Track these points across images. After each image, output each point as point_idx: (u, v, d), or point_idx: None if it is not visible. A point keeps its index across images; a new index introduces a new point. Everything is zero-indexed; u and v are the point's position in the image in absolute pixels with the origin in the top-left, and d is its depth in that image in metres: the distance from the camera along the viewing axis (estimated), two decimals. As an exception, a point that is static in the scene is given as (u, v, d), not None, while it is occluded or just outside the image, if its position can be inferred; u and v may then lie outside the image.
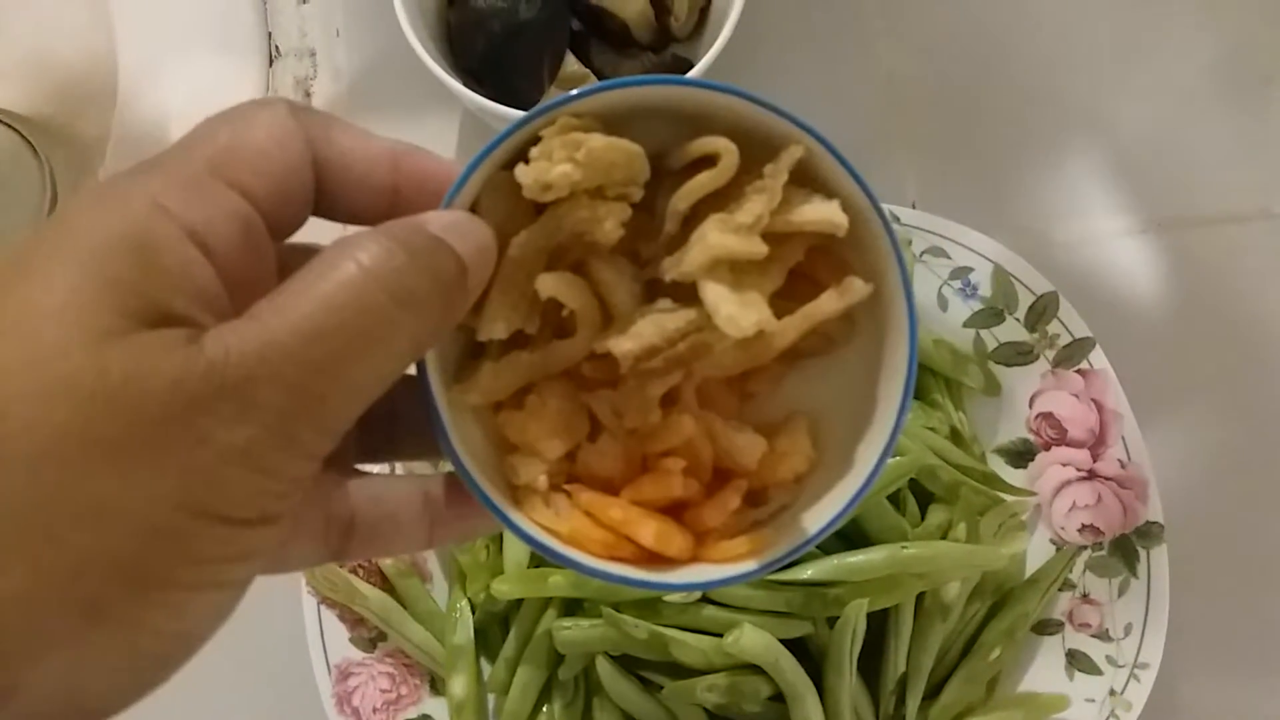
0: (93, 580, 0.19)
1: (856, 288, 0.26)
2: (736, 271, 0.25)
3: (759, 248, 0.25)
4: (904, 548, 0.45)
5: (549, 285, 0.26)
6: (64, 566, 0.19)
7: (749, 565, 0.26)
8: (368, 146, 0.26)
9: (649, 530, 0.26)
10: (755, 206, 0.25)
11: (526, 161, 0.25)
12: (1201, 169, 0.57)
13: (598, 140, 0.25)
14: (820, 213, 0.25)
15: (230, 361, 0.20)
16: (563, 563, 0.26)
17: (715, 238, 0.25)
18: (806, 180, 0.26)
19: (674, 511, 0.27)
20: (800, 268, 0.27)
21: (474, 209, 0.26)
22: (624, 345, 0.25)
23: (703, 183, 0.26)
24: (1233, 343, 0.53)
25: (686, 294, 0.26)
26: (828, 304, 0.26)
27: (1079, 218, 0.57)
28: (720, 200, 0.26)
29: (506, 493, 0.27)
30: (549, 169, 0.25)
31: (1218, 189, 0.57)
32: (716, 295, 0.24)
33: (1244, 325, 0.55)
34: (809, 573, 0.45)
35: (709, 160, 0.26)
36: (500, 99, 0.51)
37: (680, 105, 0.26)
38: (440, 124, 0.60)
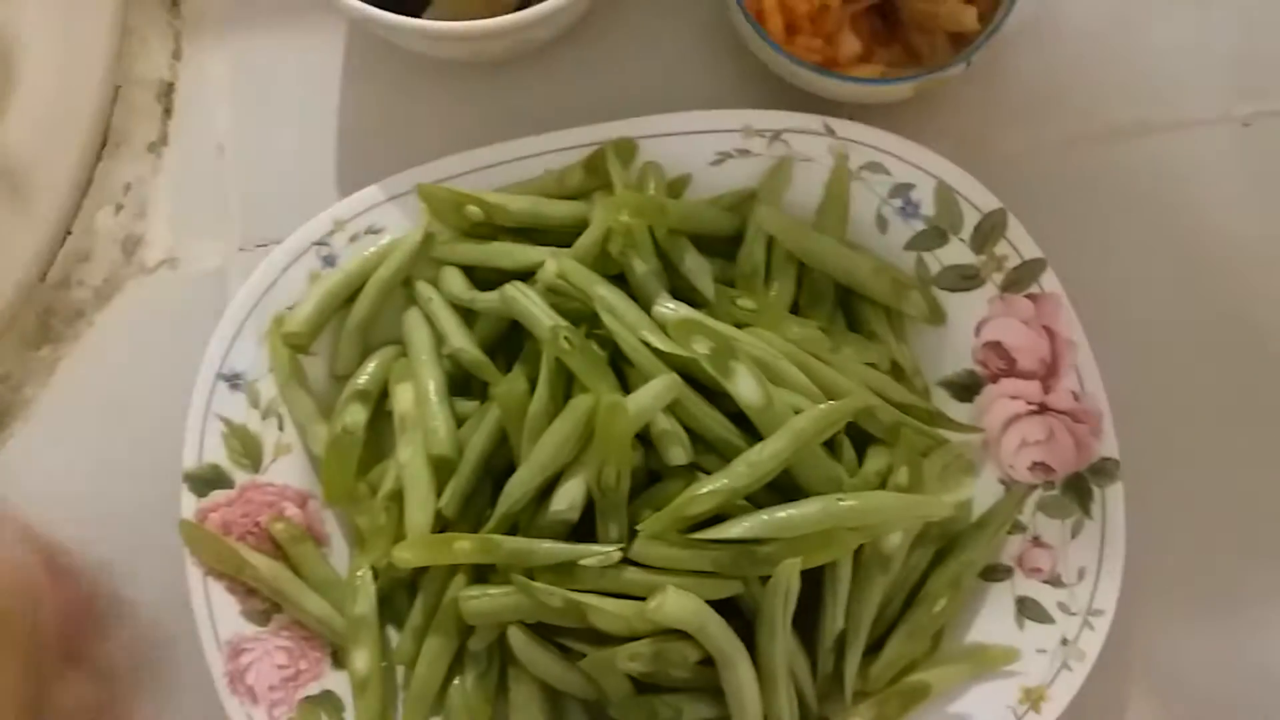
0: None
1: None
2: None
3: None
4: (840, 500, 0.42)
5: None
6: None
7: None
8: None
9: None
10: None
11: None
12: (1156, 72, 0.53)
13: None
14: None
15: None
16: None
17: None
18: None
19: None
20: None
21: None
22: None
23: None
24: (1195, 261, 0.49)
25: None
26: None
27: (1026, 125, 0.52)
28: None
29: None
30: None
31: (1174, 92, 0.53)
32: None
33: (1207, 241, 0.51)
34: (737, 530, 0.41)
35: None
36: (386, 5, 0.45)
37: None
38: (326, 37, 0.54)
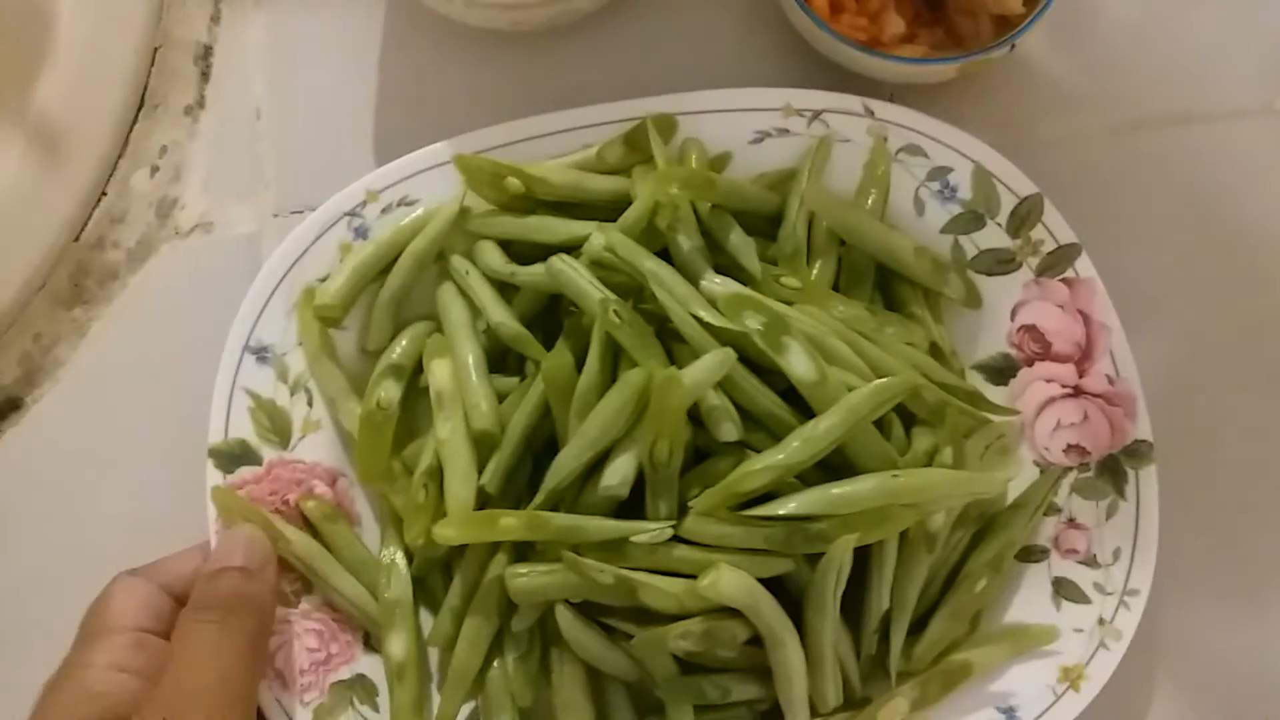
0: None
1: None
2: None
3: None
4: (894, 476, 0.41)
5: None
6: None
7: None
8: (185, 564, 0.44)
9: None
10: None
11: None
12: (1197, 61, 0.52)
13: None
14: None
15: None
16: None
17: None
18: None
19: None
20: None
21: None
22: None
23: None
24: (1232, 250, 0.49)
25: None
26: None
27: (1065, 113, 0.53)
28: None
29: None
30: None
31: (1216, 83, 0.52)
32: None
33: (1245, 231, 0.51)
34: (791, 506, 0.41)
35: None
36: None
37: None
38: (367, 3, 0.53)
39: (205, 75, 0.52)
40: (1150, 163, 0.52)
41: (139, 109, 0.50)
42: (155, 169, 0.50)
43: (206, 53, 0.52)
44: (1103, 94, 0.53)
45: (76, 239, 0.49)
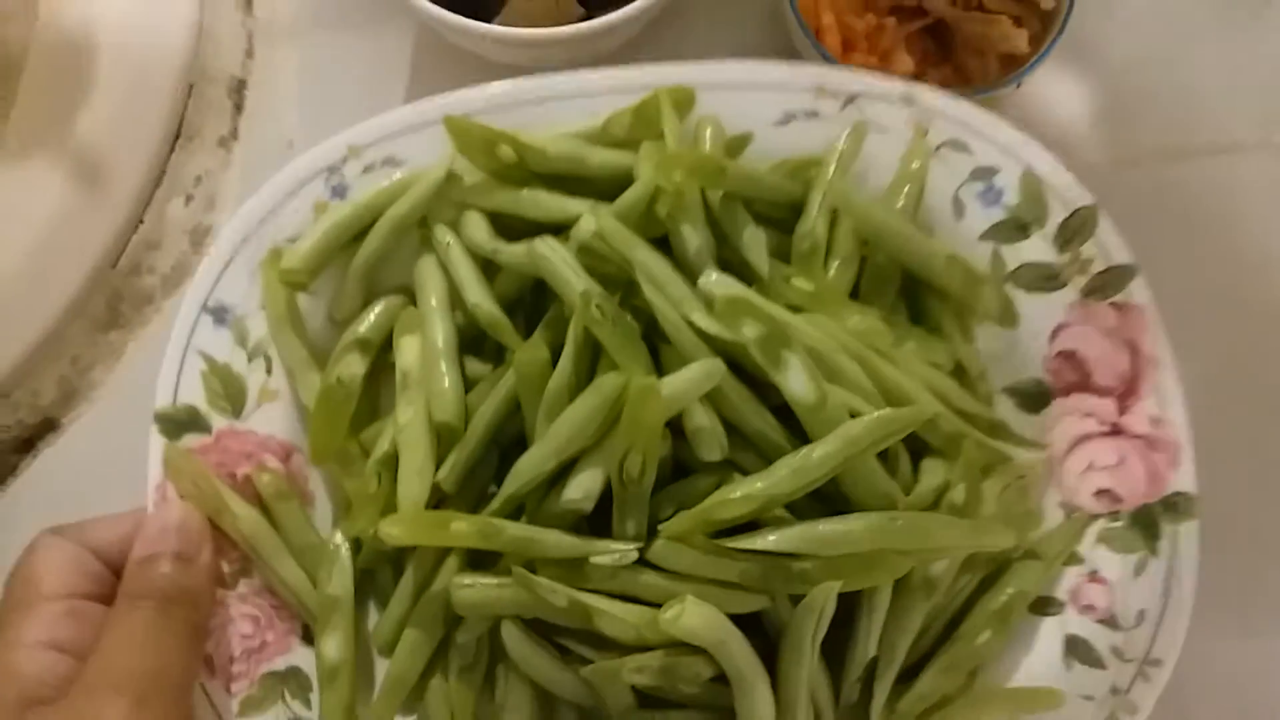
0: None
1: None
2: None
3: None
4: (893, 519, 0.37)
5: None
6: None
7: None
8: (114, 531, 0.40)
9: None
10: None
11: None
12: (1197, 98, 0.53)
13: None
14: None
15: None
16: None
17: None
18: None
19: None
20: None
21: None
22: None
23: None
24: (1230, 280, 0.47)
25: None
26: None
27: (1068, 149, 0.49)
28: None
29: None
30: None
31: (1215, 118, 0.52)
32: None
33: (1246, 264, 0.50)
34: (771, 540, 0.37)
35: None
36: (459, 9, 0.44)
37: None
38: (395, 39, 0.54)
39: (239, 107, 0.54)
40: (1151, 196, 0.51)
41: (175, 140, 0.52)
42: (190, 198, 0.52)
43: (240, 86, 0.54)
44: (1106, 129, 0.53)
45: (114, 265, 0.50)
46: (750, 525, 0.38)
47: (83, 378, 0.49)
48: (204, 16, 0.53)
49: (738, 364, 0.38)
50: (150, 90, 0.50)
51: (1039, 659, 0.42)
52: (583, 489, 0.37)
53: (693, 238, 0.40)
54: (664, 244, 0.41)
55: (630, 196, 0.40)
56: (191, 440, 0.42)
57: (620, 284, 0.40)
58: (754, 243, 0.41)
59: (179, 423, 0.42)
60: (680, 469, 0.40)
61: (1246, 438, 0.49)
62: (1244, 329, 0.51)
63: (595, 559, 0.37)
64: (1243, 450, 0.49)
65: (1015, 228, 0.43)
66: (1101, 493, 0.42)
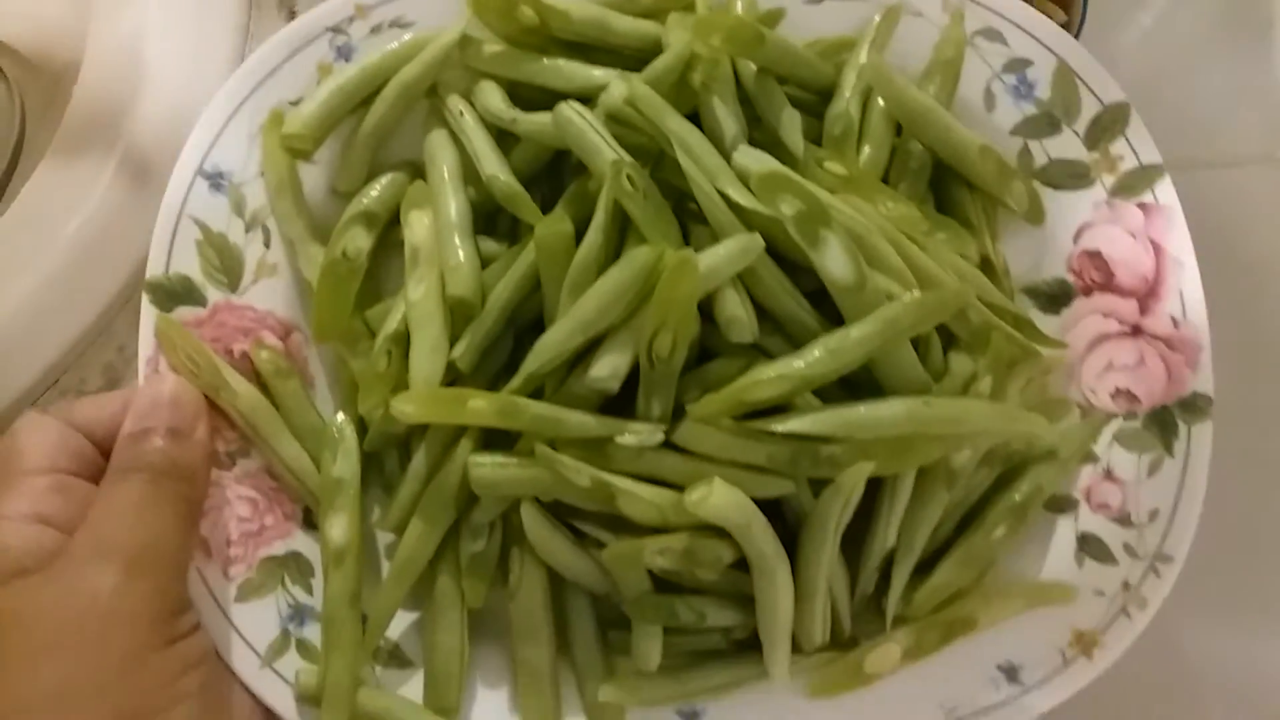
0: None
1: None
2: None
3: None
4: (927, 403, 0.36)
5: None
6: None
7: None
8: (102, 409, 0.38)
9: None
10: None
11: None
12: (1202, 113, 0.54)
13: None
14: None
15: None
16: None
17: None
18: None
19: None
20: None
21: None
22: None
23: None
24: (1233, 292, 0.45)
25: None
26: None
27: None
28: None
29: None
30: None
31: (1219, 133, 0.54)
32: None
33: (1245, 274, 0.52)
34: (804, 422, 0.36)
35: None
36: None
37: None
38: None
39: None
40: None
41: (219, 140, 0.52)
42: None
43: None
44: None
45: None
46: (777, 410, 0.37)
47: (129, 366, 0.47)
48: (250, 22, 0.53)
49: (772, 244, 0.37)
50: (196, 92, 0.49)
51: (1053, 555, 0.41)
52: (610, 367, 0.36)
53: (725, 111, 0.38)
54: (693, 121, 0.39)
55: (662, 64, 0.38)
56: (185, 313, 0.40)
57: (651, 156, 0.38)
58: (790, 122, 0.39)
59: (172, 293, 0.39)
60: (705, 355, 0.38)
61: (1249, 450, 0.47)
62: (1247, 341, 0.49)
63: (621, 439, 0.36)
64: (1246, 462, 0.47)
65: (1046, 122, 0.42)
66: (1119, 392, 0.42)
